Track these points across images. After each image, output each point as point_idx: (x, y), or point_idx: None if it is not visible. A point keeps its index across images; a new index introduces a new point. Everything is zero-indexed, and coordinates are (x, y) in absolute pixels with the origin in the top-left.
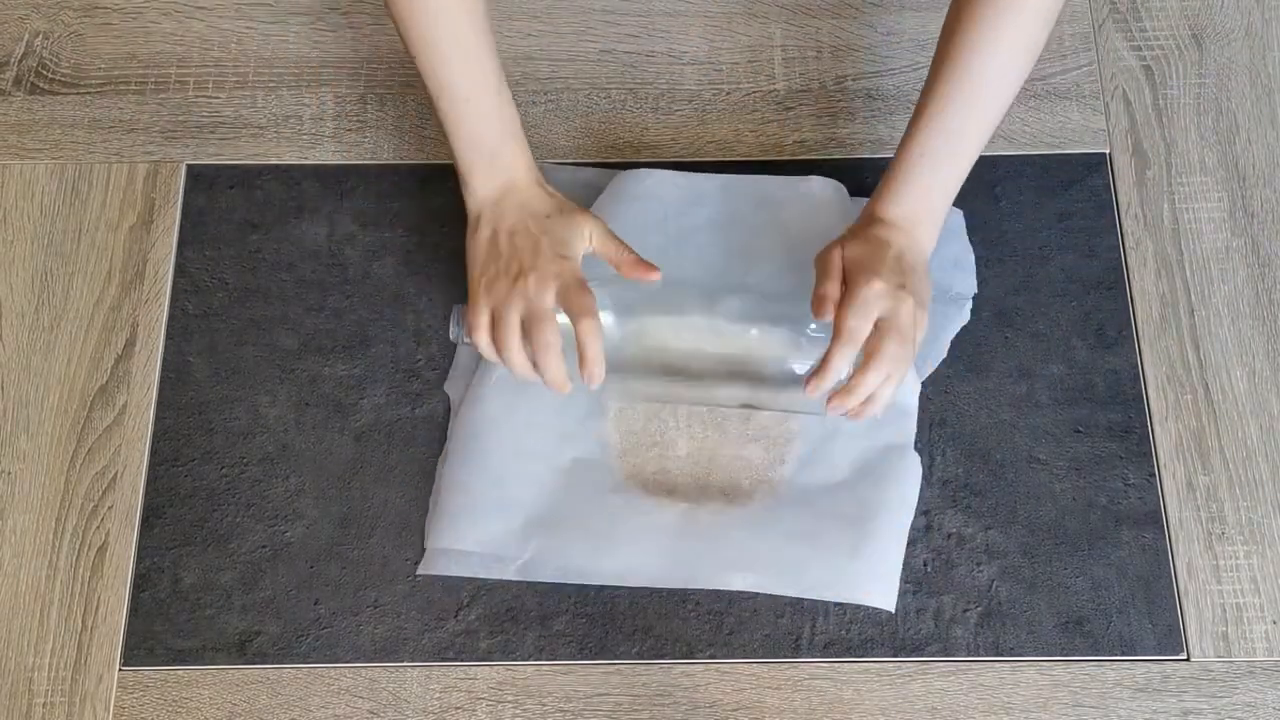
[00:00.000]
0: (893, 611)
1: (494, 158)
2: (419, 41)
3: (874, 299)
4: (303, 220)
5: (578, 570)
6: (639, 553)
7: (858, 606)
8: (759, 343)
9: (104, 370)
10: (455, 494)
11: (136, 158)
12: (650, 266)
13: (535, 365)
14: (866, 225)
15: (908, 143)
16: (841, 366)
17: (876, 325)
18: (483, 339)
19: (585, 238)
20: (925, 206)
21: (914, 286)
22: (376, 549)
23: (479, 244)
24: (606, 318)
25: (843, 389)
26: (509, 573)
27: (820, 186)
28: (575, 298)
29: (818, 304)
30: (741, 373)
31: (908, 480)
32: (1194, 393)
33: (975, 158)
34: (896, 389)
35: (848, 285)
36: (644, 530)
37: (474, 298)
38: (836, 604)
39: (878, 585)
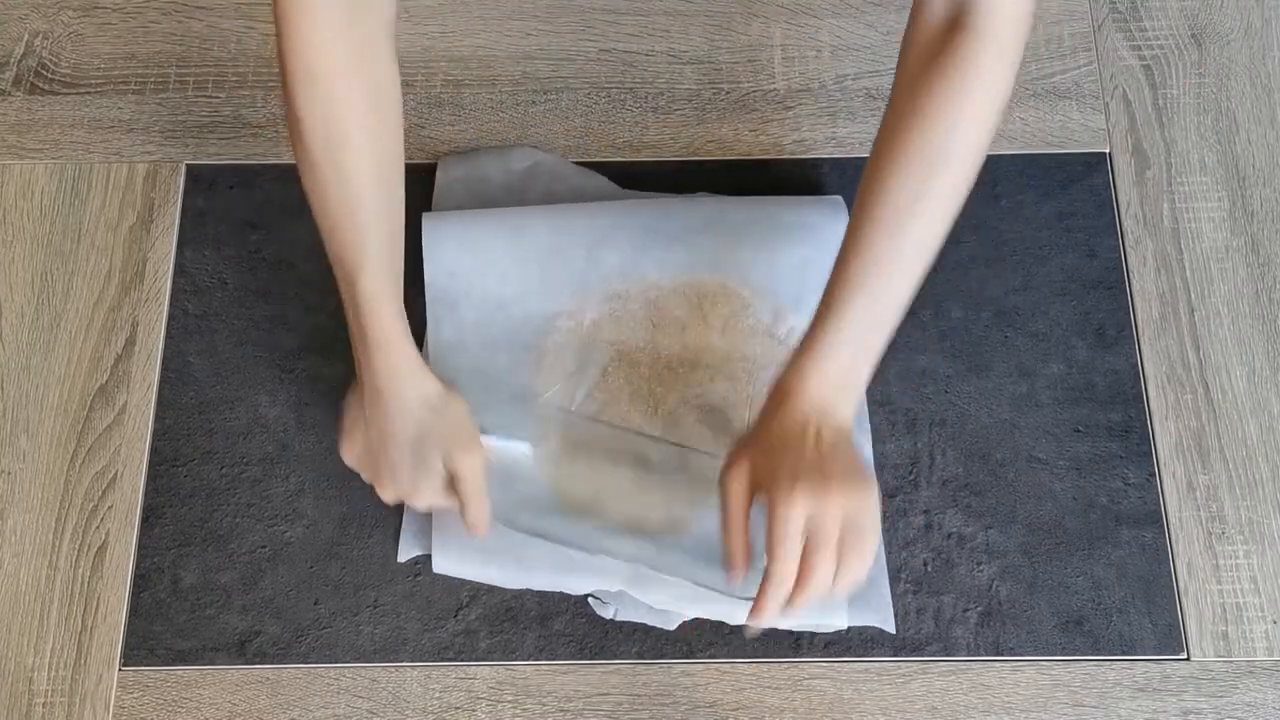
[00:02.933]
0: (893, 632)
1: (374, 351)
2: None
3: (795, 521)
4: (303, 220)
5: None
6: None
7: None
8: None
9: (104, 370)
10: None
11: (136, 158)
12: (475, 528)
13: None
14: (777, 407)
15: (827, 310)
16: (775, 610)
17: (808, 543)
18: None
19: (444, 478)
20: (849, 378)
21: (840, 474)
22: (376, 549)
23: (352, 419)
24: (521, 448)
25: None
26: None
27: (816, 210)
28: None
29: (728, 565)
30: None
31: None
32: (1194, 392)
33: (902, 314)
34: (857, 576)
35: (768, 506)
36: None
37: (364, 468)
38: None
39: (874, 616)
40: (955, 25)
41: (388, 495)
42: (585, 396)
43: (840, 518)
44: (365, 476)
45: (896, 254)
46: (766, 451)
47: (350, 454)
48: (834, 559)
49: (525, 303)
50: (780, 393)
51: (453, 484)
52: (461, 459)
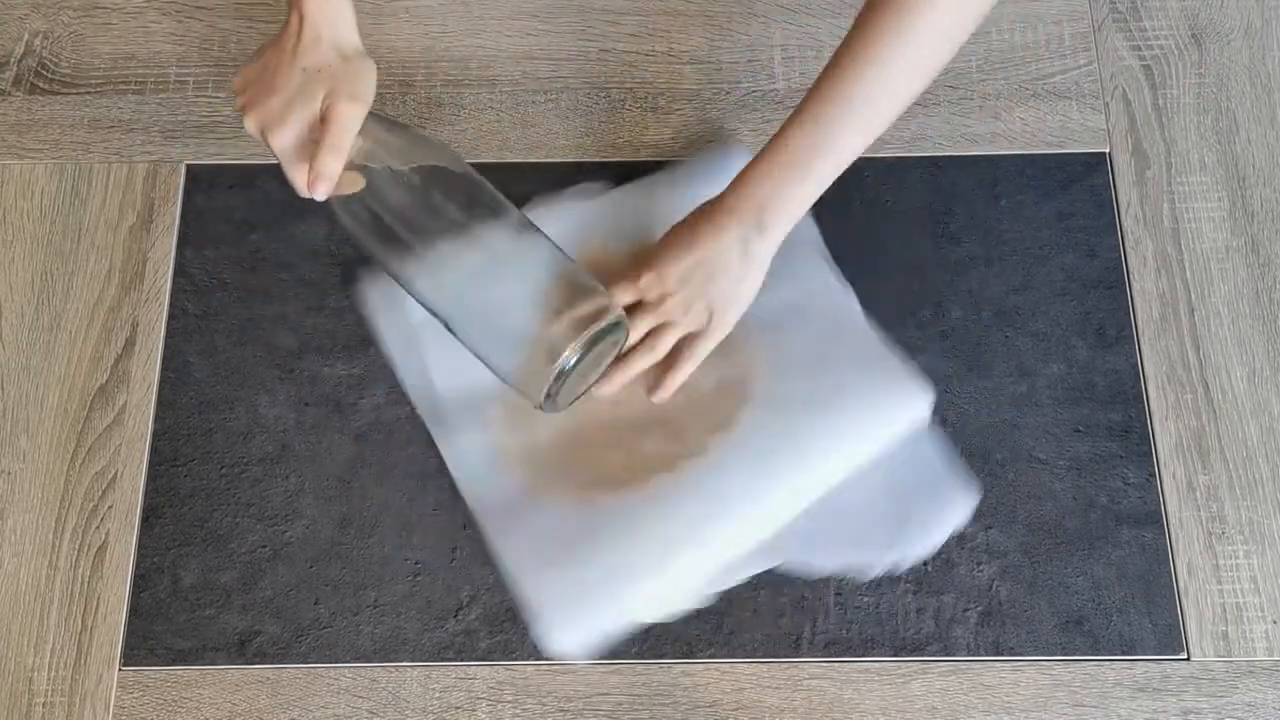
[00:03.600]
0: (931, 400)
1: None
2: None
3: (652, 289)
4: (303, 220)
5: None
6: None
7: (858, 607)
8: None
9: (104, 370)
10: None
11: (136, 158)
12: (316, 181)
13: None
14: (705, 206)
15: (773, 138)
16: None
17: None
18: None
19: (313, 116)
20: (779, 191)
21: (706, 296)
22: (376, 549)
23: (255, 54)
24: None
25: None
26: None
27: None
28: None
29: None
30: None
31: (849, 313)
32: (1194, 392)
33: (848, 162)
34: (695, 358)
35: (644, 270)
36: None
37: (242, 88)
38: (836, 602)
39: (912, 397)
40: None
41: (252, 121)
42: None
43: (683, 332)
44: (239, 102)
45: (847, 96)
46: (671, 256)
47: (240, 74)
48: (652, 361)
49: None
50: (712, 205)
51: (322, 134)
52: (341, 104)
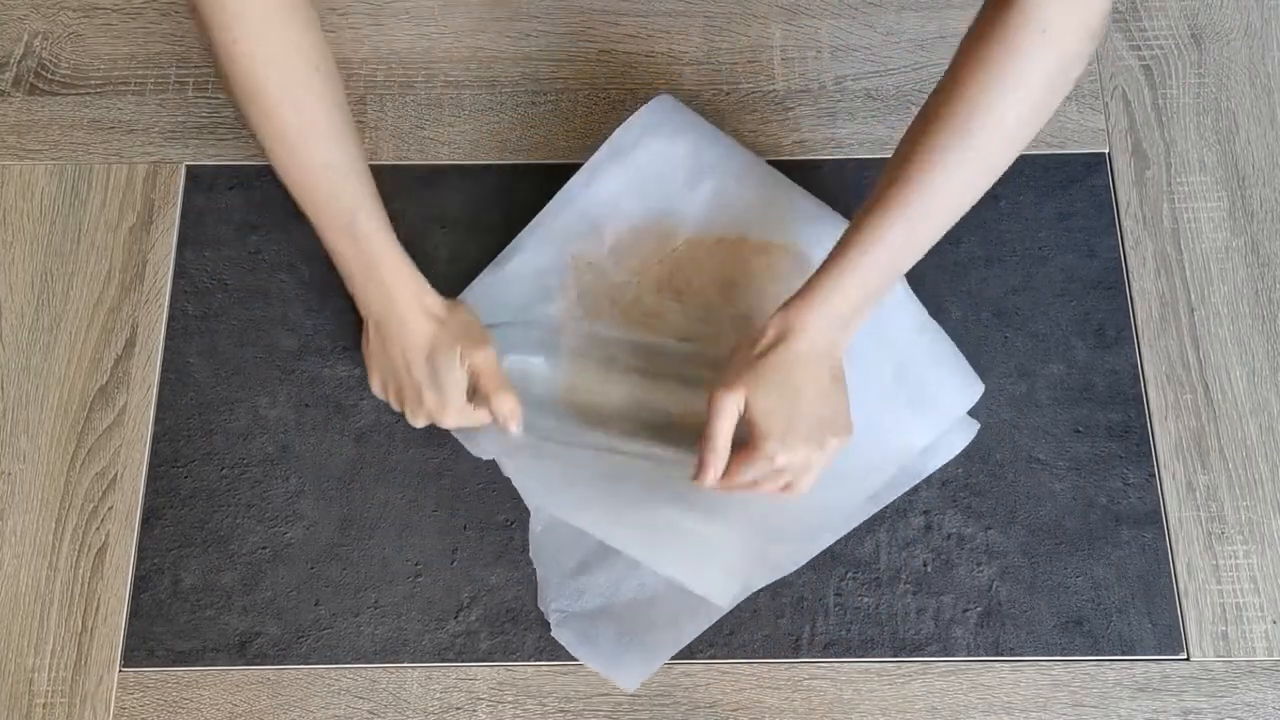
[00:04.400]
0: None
1: (367, 281)
2: (272, 135)
3: (775, 463)
4: (303, 220)
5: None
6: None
7: (857, 607)
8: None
9: (104, 370)
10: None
11: (136, 158)
12: (509, 419)
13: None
14: (780, 339)
15: (843, 250)
16: (711, 481)
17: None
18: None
19: (465, 380)
20: (851, 320)
21: (830, 426)
22: (376, 550)
23: (371, 353)
24: (535, 360)
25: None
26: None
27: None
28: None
29: (698, 474)
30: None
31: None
32: (1194, 392)
33: (912, 263)
34: (789, 502)
35: (751, 441)
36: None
37: (391, 397)
38: (836, 603)
39: (963, 394)
40: (1009, 10)
41: (418, 419)
42: (609, 306)
43: (810, 462)
44: (394, 406)
45: (916, 207)
46: (765, 385)
47: (376, 385)
48: (780, 486)
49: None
50: (784, 323)
51: (474, 389)
52: (474, 354)
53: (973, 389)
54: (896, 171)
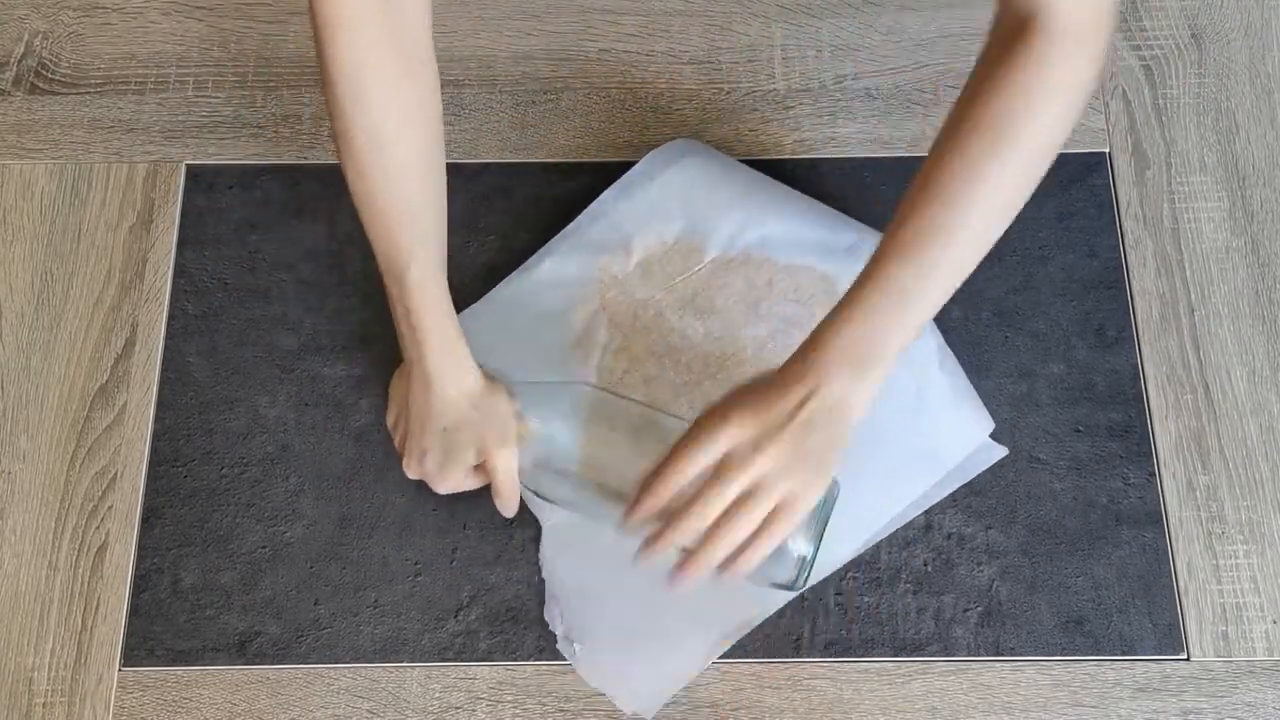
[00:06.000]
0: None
1: (408, 330)
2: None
3: (736, 482)
4: (303, 220)
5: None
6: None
7: (858, 607)
8: None
9: (104, 370)
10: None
11: (136, 158)
12: (505, 511)
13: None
14: (785, 365)
15: (858, 282)
16: (662, 549)
17: (738, 503)
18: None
19: (473, 461)
20: (864, 349)
21: (805, 455)
22: (376, 549)
23: (395, 387)
24: (560, 427)
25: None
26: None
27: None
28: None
29: (635, 495)
30: None
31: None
32: (1194, 392)
33: (939, 300)
34: (761, 553)
35: (723, 459)
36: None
37: (397, 437)
38: (836, 602)
39: (975, 426)
40: (1026, 23)
41: (411, 473)
42: (624, 372)
43: (782, 493)
44: (396, 446)
45: (936, 234)
46: (753, 406)
47: (389, 418)
48: (753, 528)
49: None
50: (797, 352)
51: (483, 471)
52: (496, 453)
53: (983, 425)
54: (917, 196)
